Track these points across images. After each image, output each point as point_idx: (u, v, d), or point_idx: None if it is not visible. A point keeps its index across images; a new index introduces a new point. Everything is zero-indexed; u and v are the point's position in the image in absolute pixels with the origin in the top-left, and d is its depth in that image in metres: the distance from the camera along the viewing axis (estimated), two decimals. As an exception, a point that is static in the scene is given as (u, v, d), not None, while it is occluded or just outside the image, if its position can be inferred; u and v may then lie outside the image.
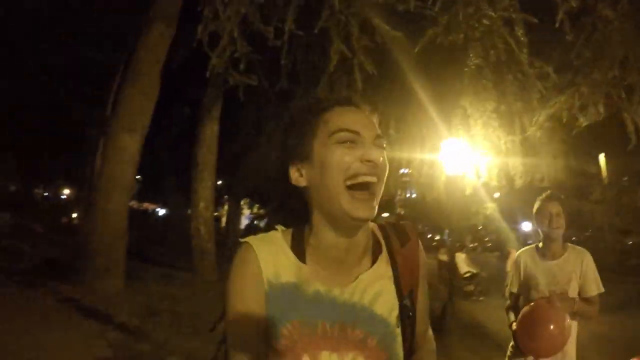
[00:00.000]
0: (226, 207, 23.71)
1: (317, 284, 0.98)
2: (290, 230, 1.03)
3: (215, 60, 6.26)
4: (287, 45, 5.93)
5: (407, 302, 1.03)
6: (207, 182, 10.42)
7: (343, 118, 0.98)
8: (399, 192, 16.80)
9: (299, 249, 1.00)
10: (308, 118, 1.01)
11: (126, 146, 7.67)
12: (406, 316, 1.02)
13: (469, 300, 10.80)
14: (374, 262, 1.03)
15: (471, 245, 38.69)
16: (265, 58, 7.16)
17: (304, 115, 1.02)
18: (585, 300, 2.56)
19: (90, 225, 7.67)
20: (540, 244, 2.73)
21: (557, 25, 5.65)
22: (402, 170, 11.35)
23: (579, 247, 2.68)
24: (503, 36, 5.75)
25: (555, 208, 2.59)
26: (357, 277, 1.00)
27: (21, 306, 6.26)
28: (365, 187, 0.94)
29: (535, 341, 2.40)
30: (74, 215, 20.78)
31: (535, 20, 5.68)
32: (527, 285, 2.67)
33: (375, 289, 1.00)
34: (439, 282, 10.03)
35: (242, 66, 6.64)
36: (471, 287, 11.43)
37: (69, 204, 27.37)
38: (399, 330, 1.00)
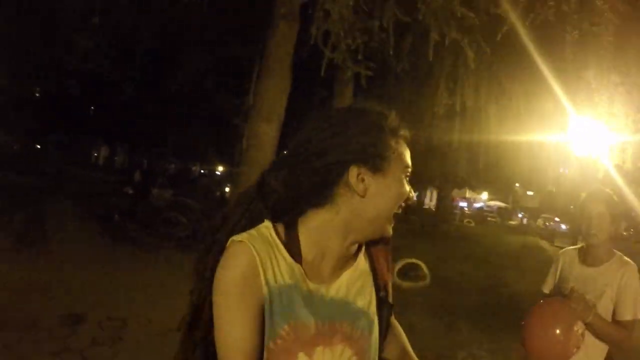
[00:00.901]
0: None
1: (308, 283, 0.99)
2: (280, 225, 1.02)
3: (330, 54, 6.69)
4: (393, 36, 6.18)
5: (383, 294, 1.10)
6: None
7: (407, 151, 1.06)
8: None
9: (293, 248, 0.99)
10: (391, 136, 1.03)
11: (265, 134, 8.57)
12: (385, 307, 1.10)
13: None
14: (355, 258, 1.08)
15: (625, 232, 35.12)
16: (382, 43, 7.48)
17: (383, 129, 1.02)
18: (617, 322, 2.16)
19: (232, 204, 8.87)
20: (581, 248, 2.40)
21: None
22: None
23: (627, 259, 2.27)
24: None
25: (597, 209, 2.24)
26: (342, 274, 1.04)
27: (174, 265, 7.70)
28: (395, 215, 1.04)
29: (537, 340, 2.08)
30: (227, 189, 22.85)
31: None
32: (559, 289, 2.35)
33: (358, 285, 1.06)
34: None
35: (359, 56, 7.08)
36: None
37: (222, 180, 29.70)
38: (376, 320, 1.06)
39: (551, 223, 34.12)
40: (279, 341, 0.94)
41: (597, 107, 7.46)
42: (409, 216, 22.54)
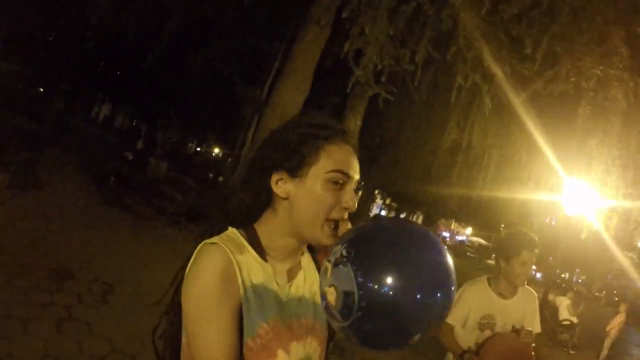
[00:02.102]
0: (360, 193, 24.85)
1: (276, 281, 1.05)
2: (241, 230, 1.07)
3: (358, 72, 6.91)
4: (421, 69, 6.42)
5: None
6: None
7: (343, 157, 1.04)
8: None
9: (258, 248, 1.05)
10: (312, 141, 1.04)
11: (275, 130, 8.78)
12: None
13: (559, 350, 10.46)
14: (307, 261, 1.16)
15: (597, 293, 35.50)
16: (406, 71, 7.71)
17: (307, 135, 1.05)
18: None
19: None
20: (492, 279, 2.64)
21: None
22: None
23: (528, 287, 2.62)
24: (625, 85, 5.72)
25: (530, 258, 2.48)
26: (298, 273, 1.11)
27: (166, 239, 8.02)
28: (336, 223, 1.04)
29: None
30: (221, 173, 22.86)
31: None
32: (479, 320, 2.54)
33: (311, 280, 1.13)
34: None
35: (383, 78, 7.29)
36: (566, 337, 10.91)
37: (217, 162, 29.75)
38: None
39: (526, 270, 34.35)
40: (257, 340, 0.97)
41: (593, 174, 7.78)
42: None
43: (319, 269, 1.15)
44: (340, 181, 1.03)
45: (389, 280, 0.82)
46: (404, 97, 9.56)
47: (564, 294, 12.17)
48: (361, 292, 0.83)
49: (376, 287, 0.82)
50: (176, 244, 7.78)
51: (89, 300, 4.65)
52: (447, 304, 0.86)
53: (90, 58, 23.60)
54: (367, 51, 6.22)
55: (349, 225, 1.05)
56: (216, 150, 34.20)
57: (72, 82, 30.34)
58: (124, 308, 4.69)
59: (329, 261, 0.90)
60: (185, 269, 1.00)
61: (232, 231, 1.06)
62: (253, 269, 1.01)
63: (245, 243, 1.04)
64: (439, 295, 0.84)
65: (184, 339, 1.02)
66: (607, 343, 11.04)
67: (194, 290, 0.95)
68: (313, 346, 1.08)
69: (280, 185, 1.05)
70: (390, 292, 0.82)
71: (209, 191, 13.87)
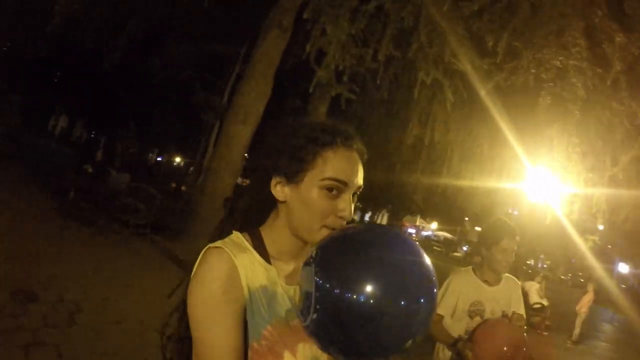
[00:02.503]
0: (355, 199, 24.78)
1: (281, 283, 1.05)
2: (246, 234, 1.08)
3: (320, 73, 6.93)
4: (382, 67, 6.47)
5: None
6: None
7: (341, 164, 1.02)
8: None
9: (262, 251, 1.06)
10: (310, 147, 1.03)
11: (238, 135, 8.68)
12: None
13: (532, 333, 10.41)
14: None
15: (563, 277, 36.67)
16: (368, 70, 7.75)
17: (307, 140, 1.04)
18: None
19: (199, 197, 8.90)
20: (476, 269, 2.70)
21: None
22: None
23: (510, 275, 2.70)
24: (583, 74, 5.89)
25: (511, 245, 2.54)
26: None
27: (132, 252, 7.78)
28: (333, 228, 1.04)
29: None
30: (183, 182, 22.55)
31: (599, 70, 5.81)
32: (468, 307, 2.59)
33: None
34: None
35: (345, 78, 7.32)
36: (538, 319, 11.14)
37: (179, 171, 29.38)
38: None
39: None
40: (263, 342, 0.98)
41: (554, 162, 8.01)
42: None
43: None
44: (335, 189, 1.02)
45: (349, 282, 0.79)
46: (366, 96, 9.62)
47: (532, 280, 12.44)
48: (317, 294, 0.82)
49: (333, 288, 0.80)
50: (142, 255, 7.56)
51: (55, 322, 4.43)
52: (423, 311, 0.81)
53: (44, 69, 22.87)
54: (329, 51, 6.24)
55: None
56: (177, 159, 33.78)
57: (27, 94, 29.30)
58: (92, 328, 4.49)
59: (304, 262, 0.91)
60: (191, 272, 1.01)
61: (236, 235, 1.07)
62: (257, 272, 1.02)
63: (249, 246, 1.05)
64: (405, 300, 0.80)
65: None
66: (578, 322, 11.45)
67: (199, 293, 0.96)
68: (315, 347, 1.06)
69: (279, 189, 1.06)
70: (350, 295, 0.78)
71: (172, 201, 13.64)
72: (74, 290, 5.26)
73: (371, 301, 0.78)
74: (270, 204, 1.10)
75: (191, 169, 20.46)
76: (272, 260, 1.07)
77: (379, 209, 32.16)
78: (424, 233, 53.87)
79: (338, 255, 0.86)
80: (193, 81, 15.41)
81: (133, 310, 5.10)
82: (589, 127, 7.07)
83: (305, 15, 6.35)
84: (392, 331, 0.80)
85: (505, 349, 2.18)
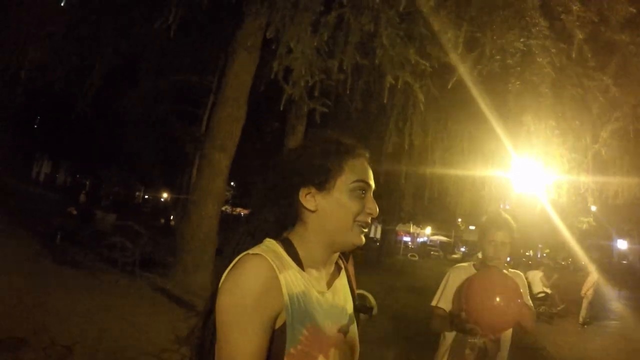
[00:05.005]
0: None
1: (314, 289, 1.10)
2: (277, 242, 1.13)
3: (290, 90, 6.89)
4: (350, 77, 6.49)
5: (357, 301, 1.27)
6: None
7: (363, 169, 1.15)
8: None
9: (295, 259, 1.10)
10: (335, 157, 1.13)
11: (218, 162, 8.64)
12: (363, 311, 1.31)
13: (540, 322, 10.39)
14: (339, 271, 1.24)
15: (563, 262, 36.65)
16: (338, 82, 7.77)
17: (329, 152, 1.14)
18: None
19: (185, 230, 8.78)
20: (477, 265, 2.59)
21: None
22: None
23: (515, 270, 2.59)
24: (548, 52, 5.93)
25: (500, 238, 2.44)
26: (334, 282, 1.19)
27: (122, 291, 7.65)
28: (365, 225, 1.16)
29: (483, 303, 2.14)
30: (172, 217, 22.39)
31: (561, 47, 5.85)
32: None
33: (344, 292, 1.21)
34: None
35: (316, 93, 7.30)
36: (544, 308, 11.11)
37: (167, 207, 29.13)
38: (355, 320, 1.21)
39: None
40: (299, 346, 1.02)
41: (535, 148, 8.02)
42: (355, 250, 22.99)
43: (348, 278, 1.27)
44: (363, 190, 1.14)
45: None
46: (341, 109, 9.66)
47: (535, 269, 12.43)
48: None
49: None
50: (132, 293, 7.44)
51: (47, 367, 4.36)
52: None
53: (22, 116, 22.75)
54: (296, 67, 6.26)
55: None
56: (164, 195, 33.54)
57: (6, 142, 29.06)
58: (86, 369, 4.42)
59: None
60: (220, 279, 1.04)
61: (270, 242, 1.11)
62: (295, 279, 1.06)
63: (283, 253, 1.09)
64: None
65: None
66: (585, 304, 11.46)
67: (230, 299, 0.99)
68: (348, 353, 1.14)
69: (309, 199, 1.12)
70: None
71: (162, 237, 13.54)
72: (65, 333, 5.15)
73: None
74: (288, 218, 1.16)
75: (179, 203, 20.36)
76: (304, 268, 1.11)
77: (371, 222, 32.13)
78: (420, 239, 53.95)
79: None
80: (170, 114, 15.42)
81: (126, 347, 5.02)
82: (563, 108, 7.07)
83: (268, 35, 6.39)
84: None
85: (497, 299, 2.12)
